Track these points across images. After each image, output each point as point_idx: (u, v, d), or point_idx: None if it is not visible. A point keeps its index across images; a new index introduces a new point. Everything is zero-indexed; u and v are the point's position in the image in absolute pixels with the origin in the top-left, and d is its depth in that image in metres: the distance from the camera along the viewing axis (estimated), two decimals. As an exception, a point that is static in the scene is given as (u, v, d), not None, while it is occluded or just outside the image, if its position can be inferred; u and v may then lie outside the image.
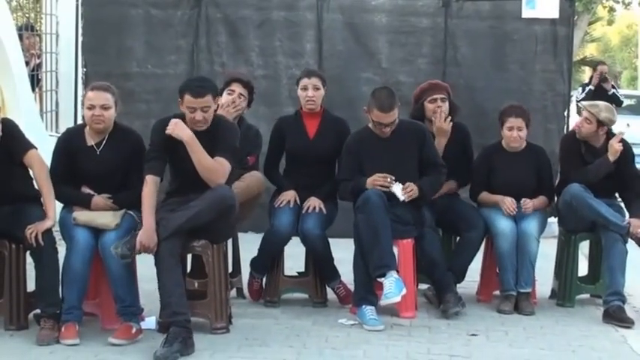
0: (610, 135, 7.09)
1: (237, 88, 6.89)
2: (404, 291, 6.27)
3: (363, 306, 6.41)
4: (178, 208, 5.89)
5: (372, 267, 6.34)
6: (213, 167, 5.89)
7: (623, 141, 7.03)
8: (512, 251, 6.86)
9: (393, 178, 6.51)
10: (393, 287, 6.24)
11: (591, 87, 14.16)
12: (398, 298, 6.26)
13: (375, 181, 6.51)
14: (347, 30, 10.24)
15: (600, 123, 6.95)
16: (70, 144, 6.20)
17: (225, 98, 6.81)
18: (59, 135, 6.94)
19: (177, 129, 5.89)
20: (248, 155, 6.80)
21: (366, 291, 6.48)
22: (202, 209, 5.80)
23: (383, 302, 6.33)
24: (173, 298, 5.71)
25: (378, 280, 6.31)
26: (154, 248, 5.72)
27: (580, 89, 14.81)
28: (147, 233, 5.73)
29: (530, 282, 6.94)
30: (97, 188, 6.11)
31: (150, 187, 5.88)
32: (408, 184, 6.52)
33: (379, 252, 6.32)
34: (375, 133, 6.66)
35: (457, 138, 7.12)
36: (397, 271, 6.32)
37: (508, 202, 6.91)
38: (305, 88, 6.93)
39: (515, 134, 7.01)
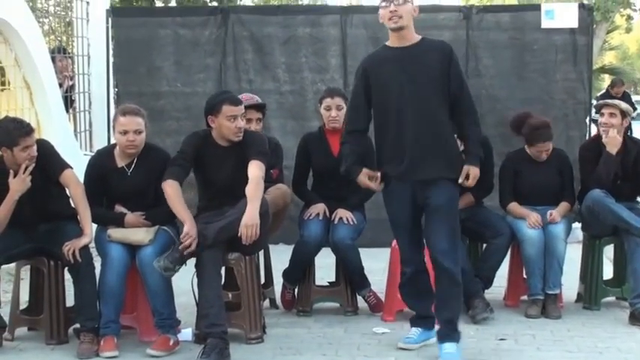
0: (627, 139, 7.12)
1: (253, 115, 6.92)
2: None
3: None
4: (214, 219, 5.96)
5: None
6: (258, 186, 6.01)
7: (633, 139, 7.11)
8: (540, 256, 6.89)
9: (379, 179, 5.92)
10: None
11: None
12: None
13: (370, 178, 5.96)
14: (371, 45, 10.15)
15: (623, 114, 6.98)
16: (100, 167, 6.28)
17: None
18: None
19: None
20: (271, 169, 6.83)
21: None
22: (239, 217, 5.85)
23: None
24: (213, 310, 5.77)
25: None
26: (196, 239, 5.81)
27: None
28: (190, 225, 5.81)
29: (558, 284, 6.96)
30: (130, 206, 6.21)
31: (174, 189, 5.97)
32: (465, 170, 5.80)
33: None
34: None
35: None
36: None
37: (534, 219, 6.93)
38: (328, 108, 7.01)
39: (544, 156, 7.12)
